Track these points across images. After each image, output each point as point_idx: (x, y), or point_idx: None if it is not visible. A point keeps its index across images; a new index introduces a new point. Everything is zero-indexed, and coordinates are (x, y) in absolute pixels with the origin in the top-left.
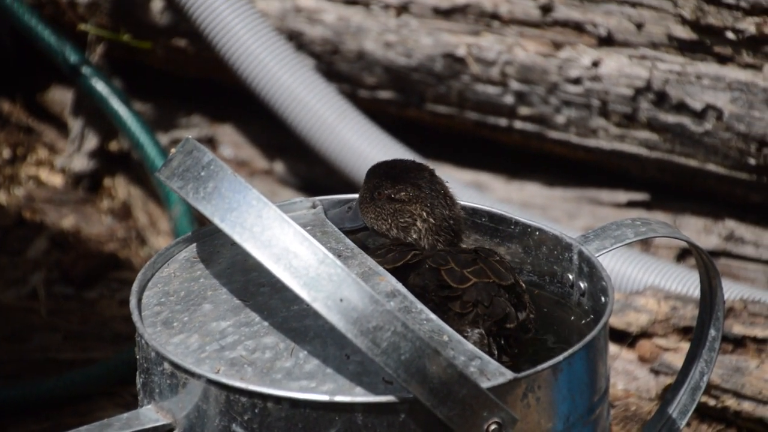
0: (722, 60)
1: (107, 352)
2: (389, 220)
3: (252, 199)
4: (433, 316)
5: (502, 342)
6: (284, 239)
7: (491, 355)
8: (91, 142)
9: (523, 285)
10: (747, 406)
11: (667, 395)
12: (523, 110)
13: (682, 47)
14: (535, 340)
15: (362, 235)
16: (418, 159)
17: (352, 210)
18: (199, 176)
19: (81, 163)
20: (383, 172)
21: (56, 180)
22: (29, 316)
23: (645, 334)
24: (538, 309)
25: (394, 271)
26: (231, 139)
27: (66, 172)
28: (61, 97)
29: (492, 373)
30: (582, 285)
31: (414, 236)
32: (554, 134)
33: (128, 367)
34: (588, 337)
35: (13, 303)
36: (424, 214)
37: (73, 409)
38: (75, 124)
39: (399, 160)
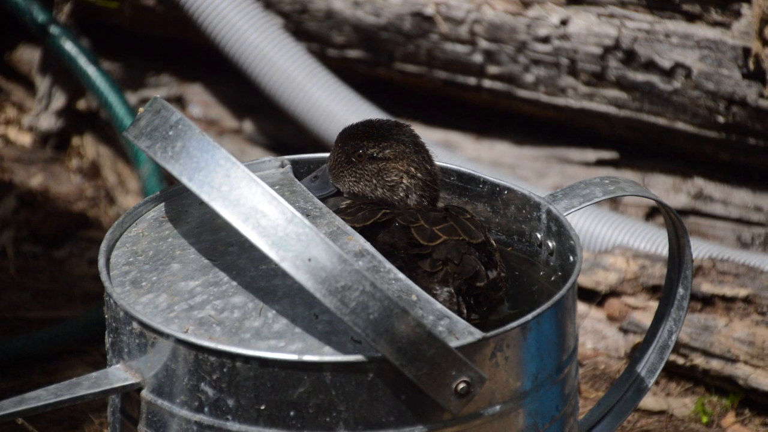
0: (691, 18)
1: (76, 310)
2: (374, 181)
3: (220, 159)
4: (401, 275)
5: (472, 301)
6: (252, 198)
7: (460, 313)
8: (59, 101)
9: (494, 243)
10: (715, 365)
11: (635, 354)
12: (492, 69)
13: (651, 5)
14: (504, 298)
15: (333, 198)
16: (387, 118)
17: (320, 178)
18: (167, 135)
19: (48, 122)
20: (362, 132)
21: (25, 139)
22: None
23: (614, 293)
24: (508, 267)
25: (363, 230)
26: (200, 99)
27: (34, 131)
28: (29, 56)
29: (460, 332)
30: (550, 244)
31: (401, 194)
32: (523, 93)
33: (97, 325)
34: (556, 297)
35: None
36: (412, 169)
37: (42, 368)
38: (42, 84)
39: (374, 120)
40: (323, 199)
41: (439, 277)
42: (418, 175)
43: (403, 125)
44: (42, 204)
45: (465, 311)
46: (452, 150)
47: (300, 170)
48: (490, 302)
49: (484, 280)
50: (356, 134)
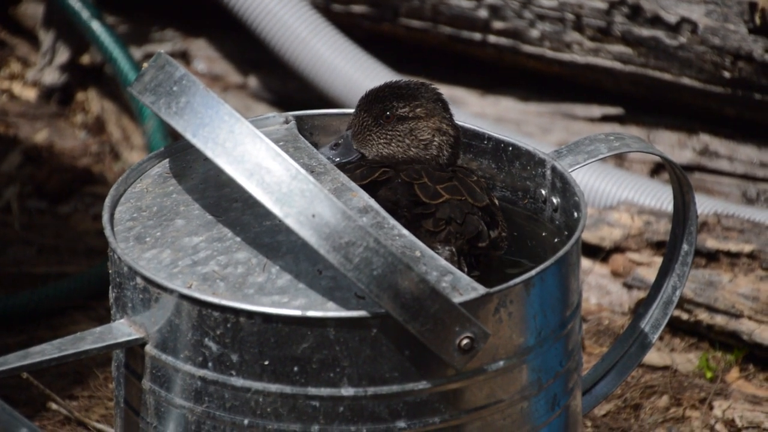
0: None
1: (81, 266)
2: (406, 141)
3: (224, 114)
4: (405, 231)
5: (473, 260)
6: (256, 155)
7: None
8: (63, 55)
9: (497, 204)
10: (719, 320)
11: (639, 309)
12: (497, 24)
13: None
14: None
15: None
16: (392, 74)
17: (342, 145)
18: (171, 91)
19: (52, 76)
20: (389, 93)
21: (29, 94)
22: (3, 230)
23: (618, 248)
24: (511, 227)
25: (363, 188)
26: (204, 54)
27: (38, 86)
28: (33, 10)
29: (464, 288)
30: (555, 200)
31: (434, 152)
32: (528, 48)
33: (102, 281)
34: (560, 253)
35: None
36: (444, 126)
37: (47, 323)
38: (46, 38)
39: (395, 81)
40: (343, 167)
41: (442, 237)
42: (449, 131)
43: (427, 84)
44: (47, 159)
45: (466, 270)
46: (457, 106)
47: (304, 126)
48: (490, 260)
49: (486, 240)
50: (382, 96)
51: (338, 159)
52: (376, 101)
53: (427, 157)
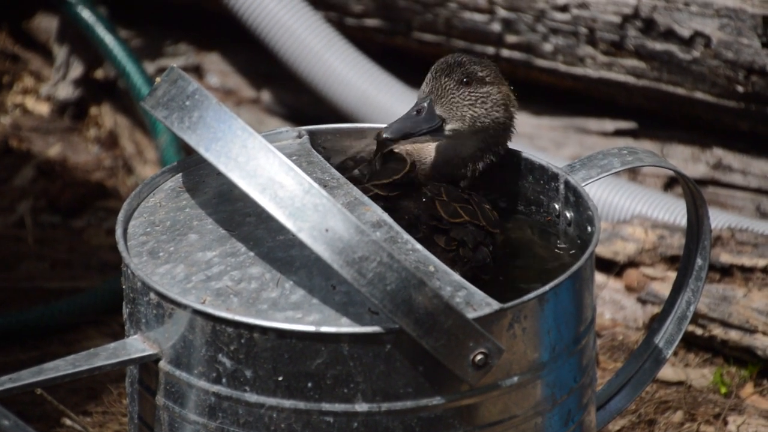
0: None
1: (94, 280)
2: (488, 103)
3: (237, 129)
4: (419, 246)
5: None
6: (269, 169)
7: None
8: (77, 70)
9: (499, 241)
10: (734, 335)
11: (653, 324)
12: (511, 38)
13: None
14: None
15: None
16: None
17: (425, 110)
18: (184, 105)
19: (66, 91)
20: (466, 60)
21: (43, 108)
22: (16, 245)
23: (632, 263)
24: (526, 237)
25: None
26: (217, 68)
27: (51, 101)
28: (47, 24)
29: (478, 303)
30: (568, 214)
31: (507, 115)
32: (541, 62)
33: (115, 296)
34: (574, 267)
35: (0, 231)
36: (511, 94)
37: (60, 338)
38: (60, 52)
39: (461, 54)
40: (427, 133)
41: (449, 257)
42: (514, 99)
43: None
44: (60, 174)
45: None
46: None
47: (317, 140)
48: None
49: (489, 274)
50: (461, 61)
51: (425, 126)
52: (456, 65)
53: (501, 121)
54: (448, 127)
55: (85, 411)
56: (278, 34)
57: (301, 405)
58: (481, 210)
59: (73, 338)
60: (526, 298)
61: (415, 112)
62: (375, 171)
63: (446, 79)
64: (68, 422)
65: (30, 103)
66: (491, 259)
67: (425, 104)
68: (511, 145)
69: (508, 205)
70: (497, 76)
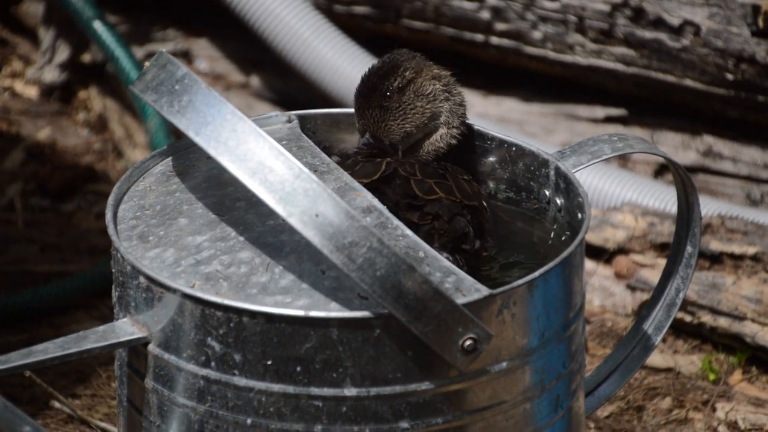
0: None
1: (84, 264)
2: (417, 105)
3: (226, 113)
4: (409, 231)
5: (462, 262)
6: (259, 153)
7: None
8: (63, 53)
9: (488, 212)
10: (723, 323)
11: (642, 311)
12: (500, 26)
13: None
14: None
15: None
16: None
17: (369, 146)
18: (173, 90)
19: (52, 74)
20: (374, 80)
21: (31, 92)
22: (6, 228)
23: (622, 250)
24: (499, 235)
25: (370, 186)
26: (207, 53)
27: (38, 84)
28: (35, 9)
29: (467, 289)
30: (558, 201)
31: (445, 97)
32: (531, 50)
33: (105, 279)
34: (564, 254)
35: None
36: (437, 71)
37: (50, 321)
38: (46, 36)
39: (371, 68)
40: (344, 164)
41: (425, 230)
42: (444, 72)
43: (398, 49)
44: (49, 157)
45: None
46: None
47: (307, 125)
48: (475, 269)
49: (470, 243)
50: (371, 85)
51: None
52: (370, 93)
53: (444, 107)
54: (400, 147)
55: (74, 394)
56: (267, 21)
57: (290, 389)
58: (457, 183)
59: (62, 321)
60: (515, 284)
61: (363, 147)
62: (353, 170)
63: (369, 111)
64: (57, 405)
65: (19, 86)
66: (471, 228)
67: (366, 143)
68: (500, 131)
69: (497, 192)
70: (414, 67)
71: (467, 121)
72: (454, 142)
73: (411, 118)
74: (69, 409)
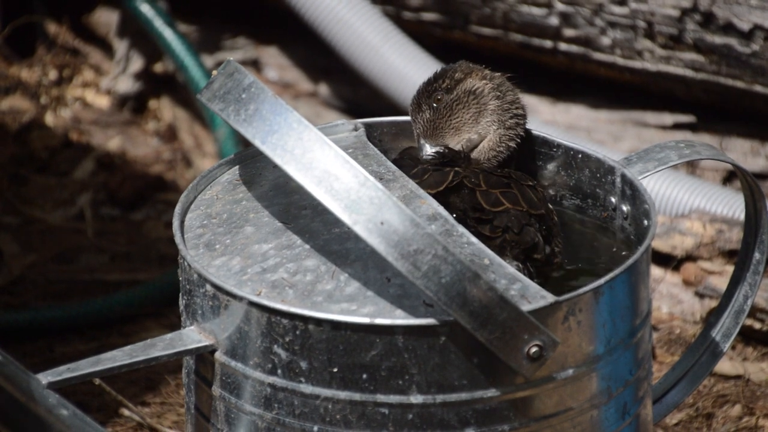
0: None
1: (153, 273)
2: (465, 101)
3: (293, 122)
4: (474, 239)
5: (533, 270)
6: (325, 162)
7: None
8: (136, 63)
9: (555, 217)
10: None
11: (711, 318)
12: (568, 32)
13: None
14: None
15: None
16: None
17: (421, 149)
18: (240, 98)
19: (126, 84)
20: (425, 85)
21: (102, 102)
22: (76, 237)
23: (690, 257)
24: (566, 241)
25: (437, 196)
26: (276, 62)
27: (111, 94)
28: (107, 18)
29: (533, 296)
30: (625, 208)
31: (495, 94)
32: (599, 56)
33: (173, 288)
34: (629, 261)
35: (60, 224)
36: (487, 72)
37: (119, 330)
38: (120, 46)
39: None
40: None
41: (497, 243)
42: (495, 74)
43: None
44: (119, 167)
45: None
46: (528, 113)
47: (373, 133)
48: (545, 276)
49: (541, 252)
50: (422, 91)
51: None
52: (420, 98)
53: (493, 102)
54: (463, 152)
55: (144, 402)
56: (336, 28)
57: (357, 396)
58: (522, 192)
59: (131, 330)
60: (581, 291)
61: (407, 155)
62: (420, 179)
63: (420, 114)
64: (126, 413)
65: (90, 96)
66: (541, 237)
67: (422, 144)
68: (568, 138)
69: (563, 198)
70: (463, 70)
71: (527, 126)
72: (513, 144)
73: (458, 116)
74: (138, 416)
